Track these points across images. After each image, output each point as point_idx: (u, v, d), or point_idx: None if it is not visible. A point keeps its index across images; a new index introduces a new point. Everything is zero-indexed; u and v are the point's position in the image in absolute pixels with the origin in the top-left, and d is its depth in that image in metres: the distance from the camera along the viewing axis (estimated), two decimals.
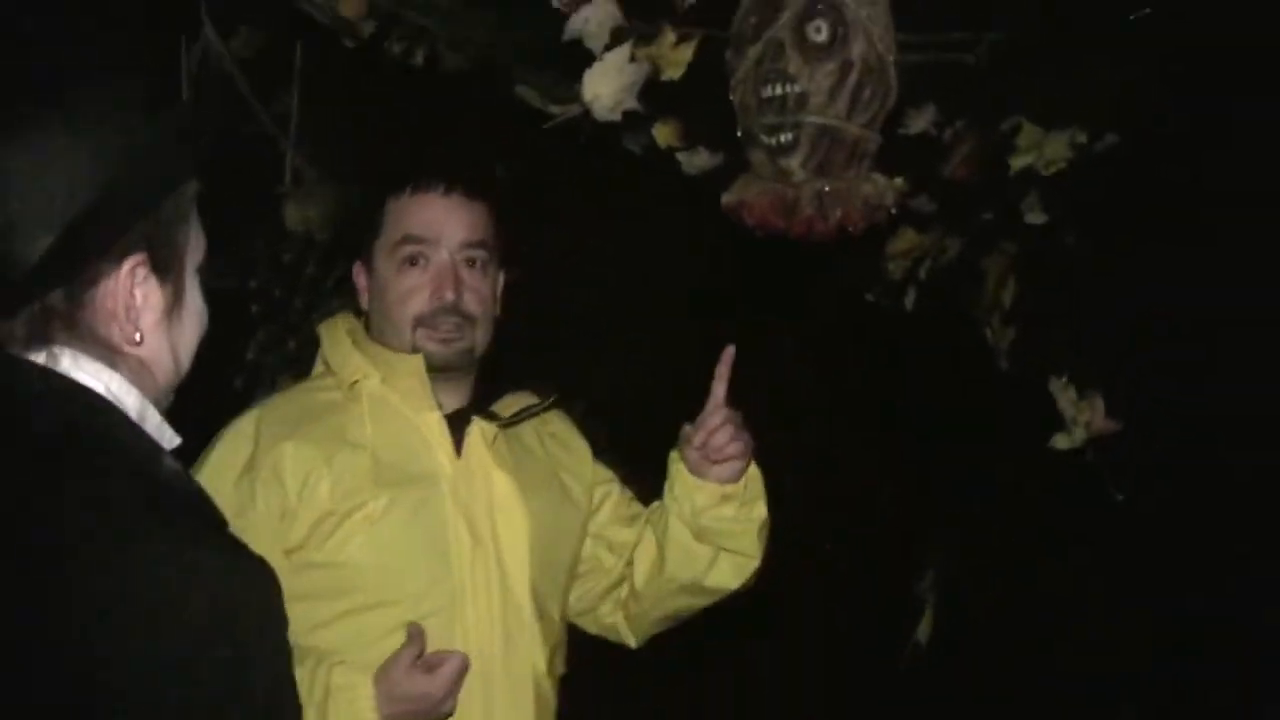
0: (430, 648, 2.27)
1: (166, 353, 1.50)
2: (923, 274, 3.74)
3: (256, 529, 2.26)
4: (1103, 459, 2.66)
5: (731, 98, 2.58)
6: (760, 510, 2.57)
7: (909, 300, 4.01)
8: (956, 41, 3.27)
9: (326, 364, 2.55)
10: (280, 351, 4.37)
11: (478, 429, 2.49)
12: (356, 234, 2.62)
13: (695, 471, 2.51)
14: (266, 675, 1.30)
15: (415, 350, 2.44)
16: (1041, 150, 3.22)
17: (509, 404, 2.58)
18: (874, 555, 5.63)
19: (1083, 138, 3.22)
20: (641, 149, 3.23)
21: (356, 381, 2.46)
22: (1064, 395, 2.63)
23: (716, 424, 2.46)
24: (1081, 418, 2.61)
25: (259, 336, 4.40)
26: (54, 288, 1.38)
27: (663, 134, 3.07)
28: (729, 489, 2.51)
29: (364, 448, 2.40)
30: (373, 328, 2.55)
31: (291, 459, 2.36)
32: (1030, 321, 3.88)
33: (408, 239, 2.46)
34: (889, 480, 5.53)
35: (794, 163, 2.50)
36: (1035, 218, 3.63)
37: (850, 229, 2.56)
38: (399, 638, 2.26)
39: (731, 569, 2.60)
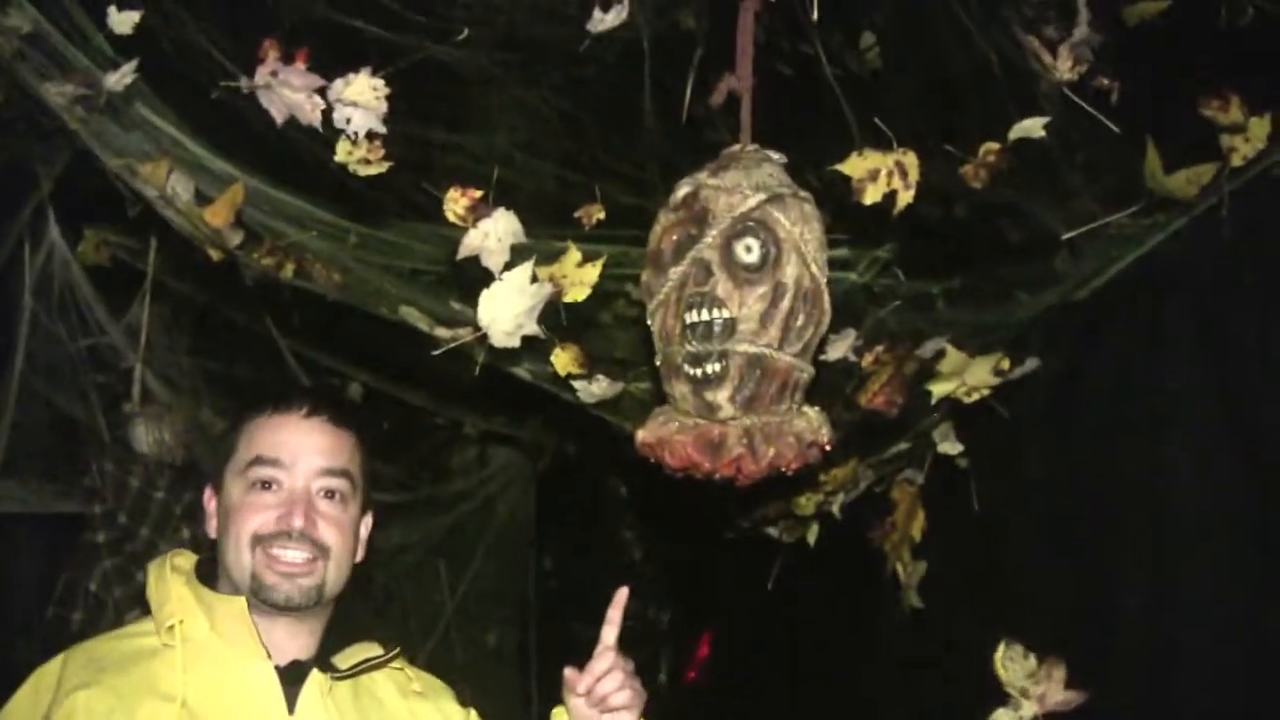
0: None
1: None
2: (836, 509, 3.49)
3: None
4: None
5: (649, 323, 2.31)
6: None
7: (812, 535, 3.76)
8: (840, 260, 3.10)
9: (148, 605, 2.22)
10: (126, 584, 3.95)
11: (315, 683, 2.17)
12: (211, 456, 2.29)
13: None
14: None
15: (254, 578, 2.16)
16: (964, 377, 3.02)
17: (351, 655, 2.29)
18: None
19: (1006, 363, 3.02)
20: (534, 376, 2.95)
21: (172, 626, 2.13)
22: (1013, 662, 2.31)
23: (603, 669, 2.18)
24: (1035, 690, 2.28)
25: (103, 566, 3.96)
26: None
27: (561, 361, 2.79)
28: None
29: (174, 701, 2.06)
30: (218, 559, 2.24)
31: (84, 713, 2.02)
32: (942, 559, 3.66)
33: (260, 460, 2.20)
34: None
35: (721, 396, 2.22)
36: (949, 447, 3.43)
37: (783, 469, 2.27)
38: None
39: None
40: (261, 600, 2.16)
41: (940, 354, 3.00)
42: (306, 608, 2.19)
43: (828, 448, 2.34)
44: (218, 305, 4.34)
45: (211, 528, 2.26)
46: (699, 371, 2.22)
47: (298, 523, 2.16)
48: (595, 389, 2.94)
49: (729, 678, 6.13)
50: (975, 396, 3.08)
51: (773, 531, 3.76)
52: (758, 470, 2.26)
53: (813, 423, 2.32)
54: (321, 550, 2.18)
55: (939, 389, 3.04)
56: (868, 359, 3.01)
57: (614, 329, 3.06)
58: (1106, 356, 3.36)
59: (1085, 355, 3.39)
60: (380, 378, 4.91)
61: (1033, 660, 2.22)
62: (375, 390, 4.98)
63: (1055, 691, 2.22)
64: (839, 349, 2.93)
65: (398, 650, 2.32)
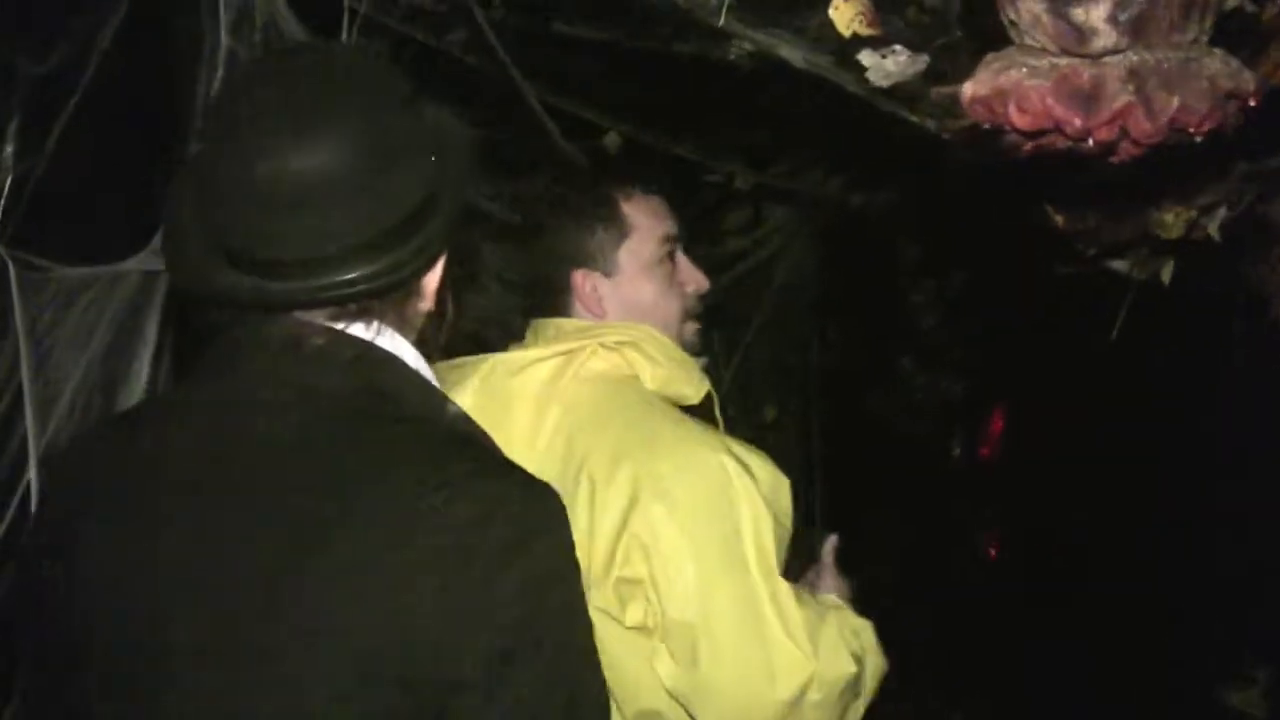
0: None
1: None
2: (1214, 230, 2.64)
3: None
4: None
5: None
6: None
7: (1166, 272, 2.95)
8: None
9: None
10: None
11: None
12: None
13: None
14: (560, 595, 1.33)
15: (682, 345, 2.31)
16: None
17: None
18: None
19: None
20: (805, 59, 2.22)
21: None
22: None
23: None
24: None
25: None
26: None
27: (843, 16, 2.04)
28: None
29: None
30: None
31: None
32: None
33: (669, 238, 2.37)
34: None
35: (1096, 15, 1.43)
36: None
37: (1191, 131, 1.49)
38: None
39: None
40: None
41: None
42: None
43: (1252, 103, 1.55)
44: (445, 45, 3.79)
45: (595, 307, 2.29)
46: None
47: (706, 282, 2.40)
48: (890, 65, 2.18)
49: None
50: None
51: (1120, 265, 2.93)
52: (1154, 131, 1.48)
53: (1231, 67, 1.53)
54: None
55: None
56: (1269, 11, 2.15)
57: None
58: None
59: None
60: (640, 127, 4.34)
61: None
62: (635, 142, 4.41)
63: None
64: None
65: None
